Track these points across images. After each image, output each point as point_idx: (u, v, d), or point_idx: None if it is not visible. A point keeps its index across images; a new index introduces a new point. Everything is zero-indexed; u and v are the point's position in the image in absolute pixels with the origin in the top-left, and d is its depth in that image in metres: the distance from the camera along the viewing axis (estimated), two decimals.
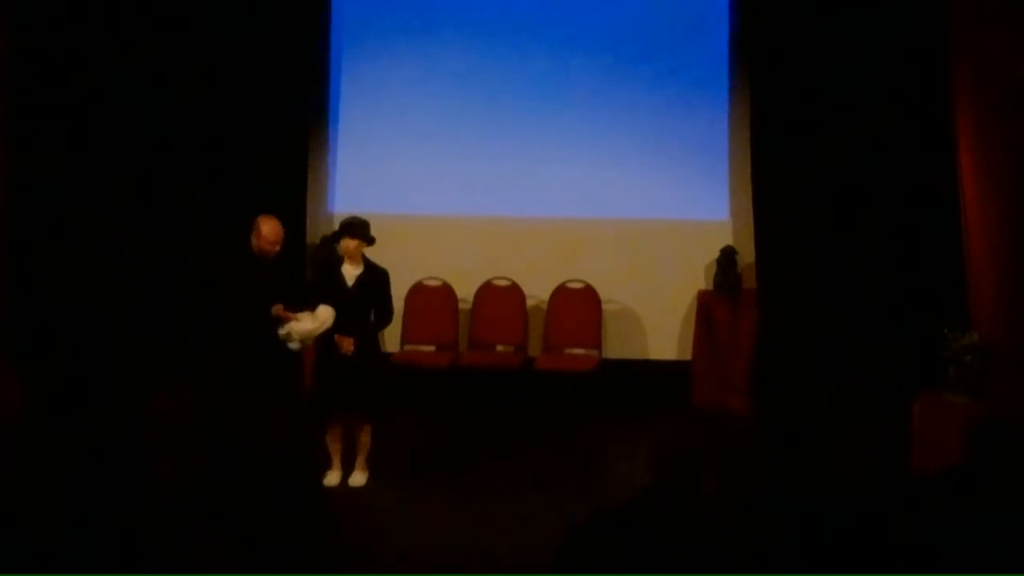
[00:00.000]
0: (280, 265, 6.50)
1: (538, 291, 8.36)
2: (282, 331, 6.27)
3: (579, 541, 3.55)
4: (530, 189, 8.36)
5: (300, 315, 6.29)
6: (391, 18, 8.46)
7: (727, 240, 8.18)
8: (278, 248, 6.41)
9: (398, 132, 8.42)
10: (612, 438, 7.40)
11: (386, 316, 6.58)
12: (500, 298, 8.32)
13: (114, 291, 7.91)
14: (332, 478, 6.54)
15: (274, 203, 7.97)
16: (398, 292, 8.04)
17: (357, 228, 6.48)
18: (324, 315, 6.32)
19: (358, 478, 6.55)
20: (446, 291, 8.35)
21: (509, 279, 8.34)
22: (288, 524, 3.26)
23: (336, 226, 6.71)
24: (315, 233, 8.27)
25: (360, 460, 6.57)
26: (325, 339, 6.42)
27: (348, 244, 6.45)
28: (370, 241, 6.48)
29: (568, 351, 8.18)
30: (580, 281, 8.29)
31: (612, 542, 3.51)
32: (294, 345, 6.32)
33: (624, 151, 8.30)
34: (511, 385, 7.94)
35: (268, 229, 6.38)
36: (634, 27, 8.31)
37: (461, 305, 8.35)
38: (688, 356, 8.16)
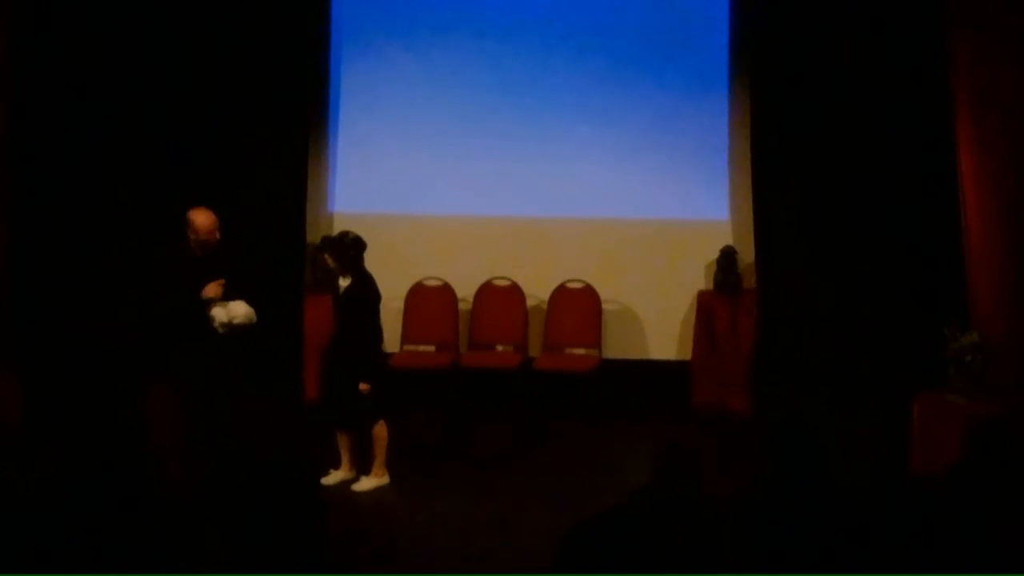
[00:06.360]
0: (224, 255, 6.42)
1: (538, 291, 8.36)
2: (219, 313, 6.28)
3: (579, 541, 3.55)
4: (530, 189, 8.36)
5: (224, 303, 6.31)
6: (391, 19, 8.45)
7: (727, 240, 8.19)
8: (217, 235, 6.37)
9: (398, 132, 8.42)
10: (612, 438, 7.40)
11: (360, 333, 6.44)
12: (500, 298, 8.32)
13: (114, 291, 7.90)
14: (335, 477, 6.54)
15: (274, 203, 8.00)
16: (398, 292, 8.08)
17: (330, 243, 6.54)
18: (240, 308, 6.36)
19: (363, 483, 6.52)
20: (446, 291, 8.35)
21: (509, 279, 8.34)
22: (287, 524, 3.26)
23: (335, 226, 6.72)
24: (315, 233, 8.26)
25: (377, 462, 6.53)
26: (326, 352, 6.55)
27: (327, 259, 6.49)
28: (340, 258, 6.40)
29: (568, 351, 8.18)
30: (580, 281, 8.29)
31: (612, 542, 3.51)
32: (240, 320, 6.30)
33: (624, 151, 8.30)
34: (511, 385, 7.94)
35: (202, 220, 6.34)
36: (634, 27, 8.30)
37: (461, 305, 8.35)
38: (688, 356, 8.16)
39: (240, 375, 6.43)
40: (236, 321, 6.27)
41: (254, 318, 6.35)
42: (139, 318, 7.59)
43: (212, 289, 6.30)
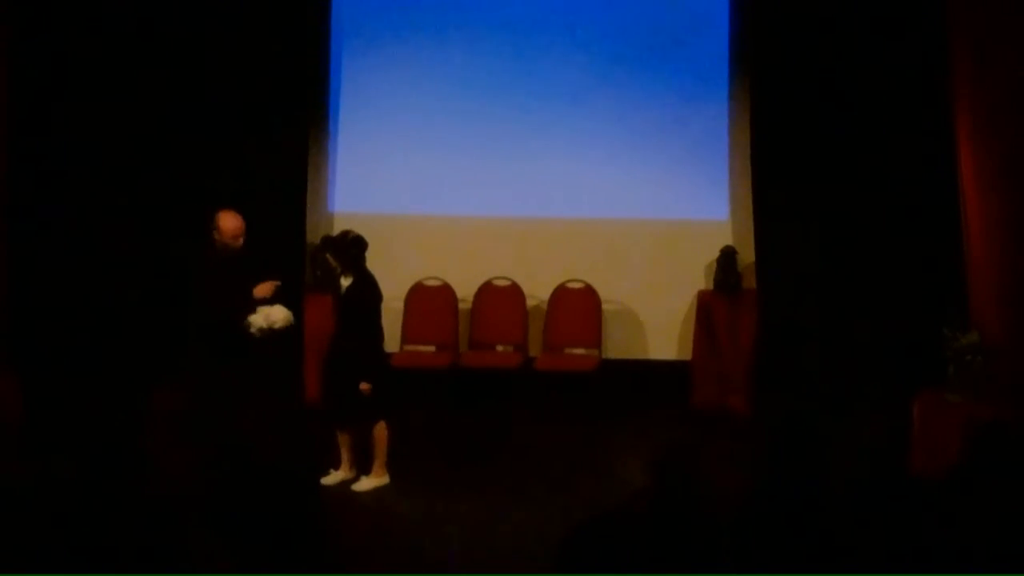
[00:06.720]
0: (248, 257, 6.46)
1: (538, 291, 8.36)
2: (257, 319, 6.30)
3: (579, 541, 3.55)
4: (530, 189, 8.36)
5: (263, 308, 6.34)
6: (391, 18, 8.46)
7: (727, 240, 8.19)
8: (240, 241, 6.39)
9: (398, 132, 8.42)
10: (612, 438, 7.40)
11: (361, 333, 6.45)
12: (500, 298, 8.32)
13: (113, 292, 7.90)
14: (335, 477, 6.54)
15: (274, 203, 8.00)
16: (398, 292, 8.08)
17: (331, 243, 6.58)
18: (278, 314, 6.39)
19: (363, 483, 6.53)
20: (446, 291, 8.35)
21: (509, 279, 8.34)
22: (287, 523, 3.26)
23: (335, 226, 6.73)
24: (315, 233, 8.26)
25: (378, 462, 6.53)
26: (327, 352, 6.57)
27: (329, 259, 6.50)
28: (341, 257, 6.42)
29: (568, 351, 8.18)
30: (580, 281, 8.30)
31: (612, 542, 3.51)
32: (280, 324, 6.33)
33: (624, 151, 8.30)
34: (511, 385, 7.94)
35: (227, 223, 6.37)
36: (634, 27, 8.31)
37: (461, 305, 8.35)
38: (688, 356, 8.16)
39: (247, 376, 6.44)
40: (277, 326, 6.30)
41: (292, 321, 6.39)
42: (157, 316, 7.62)
43: (264, 288, 6.34)
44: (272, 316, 6.30)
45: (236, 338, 6.28)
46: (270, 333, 6.29)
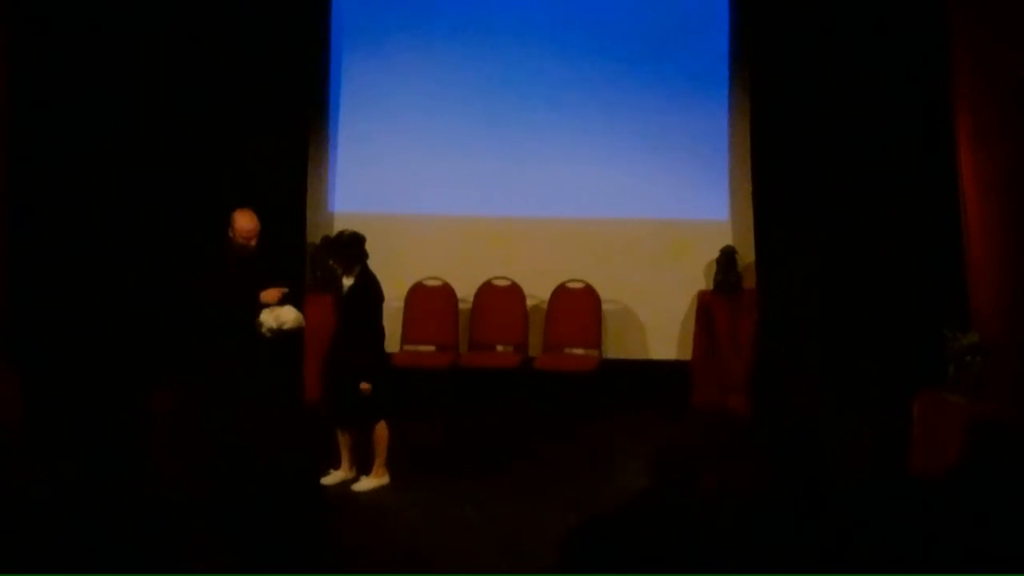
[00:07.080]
0: (261, 258, 6.47)
1: (538, 291, 8.36)
2: (267, 319, 6.32)
3: (579, 541, 3.55)
4: (530, 189, 8.37)
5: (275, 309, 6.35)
6: (391, 19, 8.46)
7: (727, 240, 8.19)
8: (253, 242, 6.40)
9: (398, 132, 8.42)
10: (612, 438, 7.40)
11: (362, 333, 6.45)
12: (500, 298, 8.33)
13: (114, 291, 7.90)
14: (335, 477, 6.54)
15: (274, 203, 7.99)
16: (398, 292, 8.08)
17: (331, 246, 6.60)
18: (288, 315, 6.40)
19: (363, 483, 6.53)
20: (446, 291, 8.35)
21: (509, 279, 8.34)
22: (287, 524, 3.26)
23: (335, 226, 6.74)
24: (315, 233, 8.27)
25: (378, 462, 6.53)
26: (328, 352, 6.58)
27: (330, 261, 6.53)
28: (340, 260, 6.42)
29: (568, 351, 8.18)
30: (580, 281, 8.30)
31: (612, 542, 3.51)
32: (290, 325, 6.36)
33: (624, 151, 8.31)
34: (511, 385, 7.94)
35: (242, 223, 6.38)
36: (634, 27, 8.31)
37: (461, 305, 8.35)
38: (688, 356, 8.16)
39: (249, 376, 6.44)
40: (286, 327, 6.32)
41: (303, 323, 6.41)
42: (158, 316, 7.62)
43: (271, 294, 6.35)
44: (282, 317, 6.33)
45: (245, 337, 6.29)
46: (280, 333, 6.31)
